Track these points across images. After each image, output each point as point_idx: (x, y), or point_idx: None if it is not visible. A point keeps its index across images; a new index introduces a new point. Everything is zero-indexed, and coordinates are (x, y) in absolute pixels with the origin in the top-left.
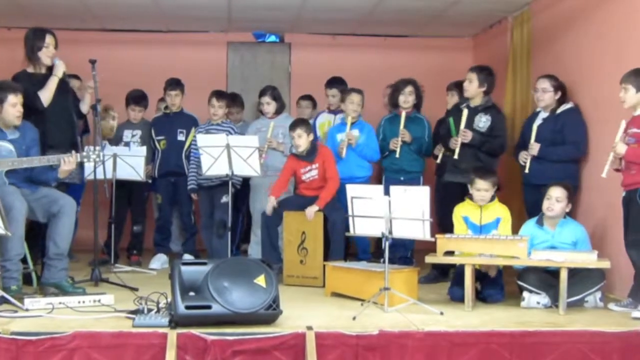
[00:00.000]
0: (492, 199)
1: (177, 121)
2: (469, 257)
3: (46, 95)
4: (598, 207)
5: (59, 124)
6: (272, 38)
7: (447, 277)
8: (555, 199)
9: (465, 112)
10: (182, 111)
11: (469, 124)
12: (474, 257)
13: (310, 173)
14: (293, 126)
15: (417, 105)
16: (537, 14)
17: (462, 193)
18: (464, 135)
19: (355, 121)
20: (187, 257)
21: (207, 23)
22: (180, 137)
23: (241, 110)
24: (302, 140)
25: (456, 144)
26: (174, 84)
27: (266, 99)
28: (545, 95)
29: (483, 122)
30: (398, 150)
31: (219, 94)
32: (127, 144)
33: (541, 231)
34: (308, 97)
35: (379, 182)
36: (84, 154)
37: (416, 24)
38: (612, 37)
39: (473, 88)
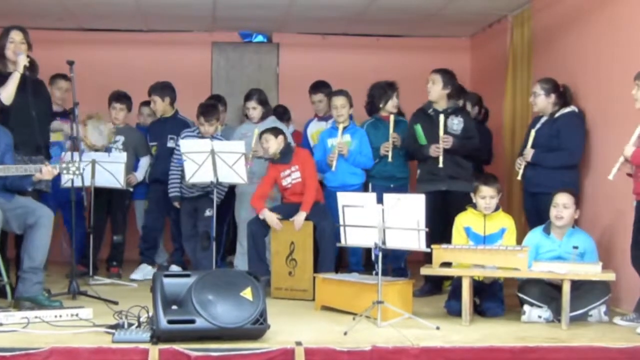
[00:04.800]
0: (496, 208)
1: (168, 127)
2: (466, 269)
3: (6, 92)
4: (603, 215)
5: (20, 122)
6: (260, 38)
7: (441, 290)
8: (562, 205)
9: (441, 117)
10: (176, 116)
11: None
12: (472, 269)
13: (290, 177)
14: (261, 134)
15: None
16: (538, 13)
17: (443, 202)
18: (446, 141)
19: (347, 125)
20: (175, 268)
21: (191, 22)
22: (170, 144)
23: (224, 111)
24: (270, 144)
25: (438, 151)
26: (155, 88)
27: (252, 103)
28: (537, 99)
29: (456, 124)
30: (390, 154)
31: (205, 114)
32: (108, 149)
33: (547, 240)
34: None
35: (365, 191)
36: (63, 165)
37: (410, 23)
38: (617, 37)
39: (437, 90)
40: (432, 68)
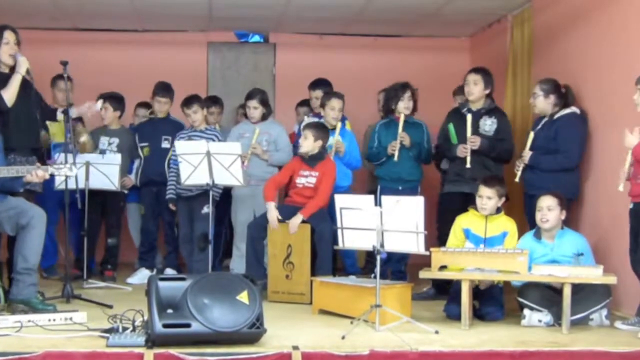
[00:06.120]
0: (498, 211)
1: (162, 127)
2: (465, 272)
3: (9, 94)
4: (602, 218)
5: (20, 125)
6: (256, 38)
7: (446, 294)
8: (546, 208)
9: (469, 117)
10: (169, 117)
11: (474, 129)
12: (471, 272)
13: (307, 179)
14: (307, 125)
15: (412, 109)
16: (538, 12)
17: (465, 204)
18: (473, 142)
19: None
20: (169, 271)
21: (186, 22)
22: (165, 145)
23: (220, 112)
24: (306, 142)
25: (466, 151)
26: (165, 89)
27: (254, 103)
28: (536, 101)
29: (489, 125)
30: (397, 153)
31: (186, 102)
32: (102, 152)
33: (539, 245)
34: (305, 103)
35: (368, 192)
36: (56, 166)
37: (409, 23)
38: (619, 37)
39: (479, 91)
40: (432, 69)
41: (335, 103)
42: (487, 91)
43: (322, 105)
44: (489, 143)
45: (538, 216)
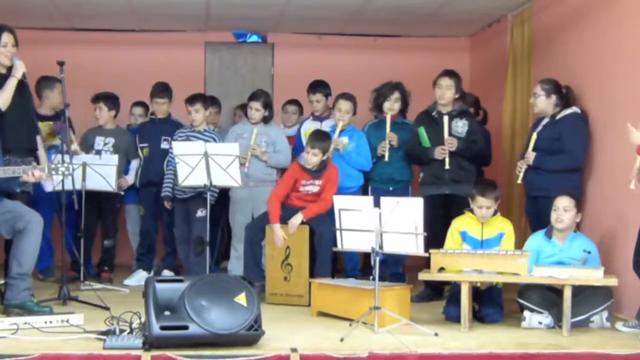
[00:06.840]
0: (494, 213)
1: (162, 128)
2: (465, 274)
3: (3, 98)
4: (604, 218)
5: (16, 127)
6: (254, 38)
7: (441, 295)
8: (562, 208)
9: (446, 119)
10: (169, 118)
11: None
12: (471, 274)
13: (310, 187)
14: (313, 141)
15: (403, 110)
16: (538, 12)
17: (445, 204)
18: (450, 143)
19: (345, 128)
20: (167, 273)
21: (184, 22)
22: (164, 145)
23: (218, 111)
24: (314, 159)
25: (444, 153)
26: (162, 90)
27: (256, 104)
28: (537, 100)
29: (460, 127)
30: (387, 154)
31: (190, 99)
32: (98, 152)
33: (549, 244)
34: (294, 102)
35: (365, 194)
36: (52, 166)
37: (408, 23)
38: (618, 36)
39: (451, 95)
40: (431, 69)
41: (341, 104)
42: (457, 96)
43: (334, 106)
44: (463, 144)
45: (553, 216)
